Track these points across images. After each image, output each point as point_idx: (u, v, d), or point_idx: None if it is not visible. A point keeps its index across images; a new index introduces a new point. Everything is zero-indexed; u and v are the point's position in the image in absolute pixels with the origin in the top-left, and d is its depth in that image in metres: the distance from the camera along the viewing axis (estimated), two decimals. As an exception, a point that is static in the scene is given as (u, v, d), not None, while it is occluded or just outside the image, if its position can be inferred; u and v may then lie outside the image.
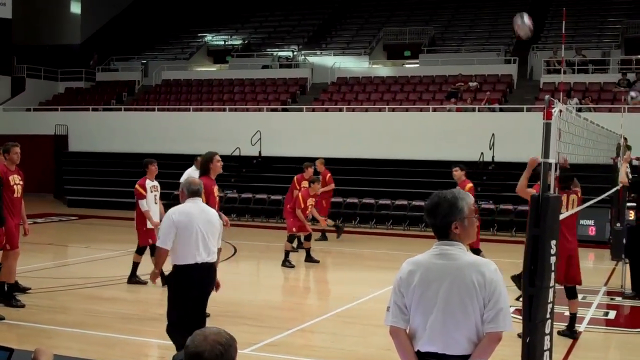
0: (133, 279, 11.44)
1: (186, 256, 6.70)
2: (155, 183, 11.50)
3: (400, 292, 3.87)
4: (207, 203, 9.11)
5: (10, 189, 9.57)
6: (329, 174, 17.48)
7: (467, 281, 3.74)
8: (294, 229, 14.01)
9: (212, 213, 6.99)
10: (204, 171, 9.44)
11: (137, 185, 11.30)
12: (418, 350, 3.84)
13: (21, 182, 9.79)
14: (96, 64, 33.00)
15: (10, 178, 9.59)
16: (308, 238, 14.42)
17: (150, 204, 11.27)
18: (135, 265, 11.46)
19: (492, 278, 3.74)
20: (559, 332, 8.42)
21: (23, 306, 9.57)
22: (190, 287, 6.77)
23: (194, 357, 2.87)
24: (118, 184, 22.96)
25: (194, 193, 6.93)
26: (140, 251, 11.45)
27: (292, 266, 13.76)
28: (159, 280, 10.96)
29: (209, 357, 2.84)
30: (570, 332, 8.76)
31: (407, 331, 3.91)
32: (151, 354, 7.94)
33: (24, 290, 10.31)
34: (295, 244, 14.53)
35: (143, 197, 11.18)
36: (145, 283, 11.19)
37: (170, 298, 6.87)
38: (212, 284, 6.99)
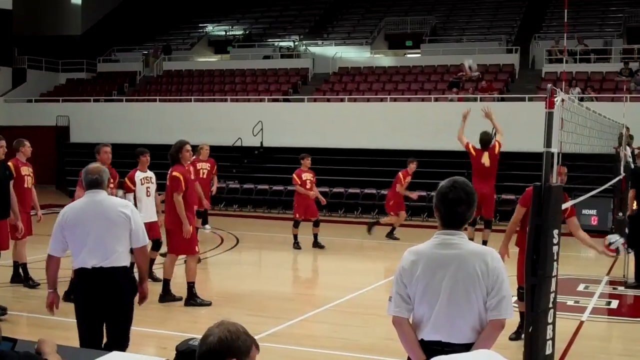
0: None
1: (76, 261, 5.69)
2: (148, 174, 10.94)
3: (403, 283, 3.87)
4: (186, 193, 9.30)
5: (21, 179, 10.04)
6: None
7: (471, 270, 3.75)
8: (297, 215, 14.59)
9: (113, 207, 5.67)
10: (175, 160, 9.55)
11: (125, 178, 10.85)
12: (422, 339, 3.85)
13: (31, 174, 10.38)
14: (156, 53, 32.46)
15: (21, 169, 10.17)
16: (316, 224, 14.88)
17: (142, 196, 10.76)
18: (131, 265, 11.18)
19: (495, 266, 3.76)
20: None
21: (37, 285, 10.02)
22: (81, 297, 5.76)
23: (202, 340, 2.92)
24: (120, 174, 22.91)
25: (91, 184, 5.70)
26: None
27: (299, 248, 14.57)
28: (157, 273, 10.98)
29: (213, 340, 2.87)
30: None
31: (411, 321, 3.91)
32: (153, 343, 7.95)
33: (33, 286, 10.28)
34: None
35: (130, 190, 10.74)
36: (160, 280, 11.07)
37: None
38: (110, 294, 5.62)
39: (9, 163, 9.87)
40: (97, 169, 5.77)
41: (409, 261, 3.88)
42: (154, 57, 31.90)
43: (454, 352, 3.45)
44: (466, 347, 3.76)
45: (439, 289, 3.80)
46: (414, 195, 16.66)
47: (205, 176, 14.63)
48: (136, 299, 5.92)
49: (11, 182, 9.66)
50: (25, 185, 10.17)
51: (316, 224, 14.91)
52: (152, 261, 11.01)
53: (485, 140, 13.49)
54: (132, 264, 6.02)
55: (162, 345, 7.71)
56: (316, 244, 14.87)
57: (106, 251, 5.58)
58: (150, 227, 10.92)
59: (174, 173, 9.46)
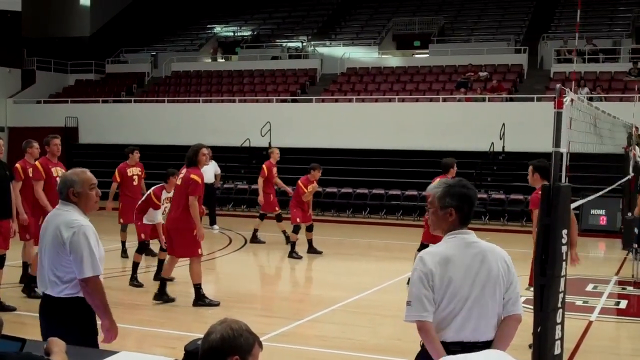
0: (133, 281, 10.93)
1: None
2: (170, 195, 10.59)
3: (430, 287, 3.80)
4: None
5: (53, 180, 9.65)
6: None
7: (495, 269, 3.85)
8: (297, 220, 13.99)
9: (61, 222, 4.66)
10: (192, 162, 9.49)
11: (152, 195, 11.08)
12: (443, 341, 3.83)
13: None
14: (216, 52, 32.10)
15: (53, 170, 9.81)
16: (310, 229, 14.38)
17: (158, 213, 11.00)
18: (135, 265, 10.99)
19: (510, 264, 3.92)
20: None
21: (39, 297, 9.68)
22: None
23: (204, 338, 2.93)
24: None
25: (60, 193, 4.82)
26: (139, 249, 11.07)
27: (299, 257, 13.81)
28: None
29: (215, 337, 2.88)
30: None
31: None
32: (162, 343, 7.96)
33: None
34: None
35: (157, 208, 10.93)
36: (140, 286, 11.01)
37: None
38: (43, 327, 4.82)
39: (17, 165, 9.83)
40: (68, 177, 4.83)
41: (435, 264, 3.81)
42: (212, 55, 31.59)
43: (475, 350, 3.45)
44: (487, 345, 3.78)
45: (470, 289, 3.81)
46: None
47: (137, 183, 13.13)
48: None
49: (19, 184, 9.65)
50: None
51: (310, 229, 14.41)
52: (161, 262, 11.02)
53: None
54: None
55: (171, 345, 7.72)
56: (312, 250, 14.31)
57: (43, 277, 4.76)
58: (153, 229, 11.01)
59: (193, 176, 9.36)
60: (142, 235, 10.98)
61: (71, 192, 4.71)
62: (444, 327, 3.83)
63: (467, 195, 3.93)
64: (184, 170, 9.54)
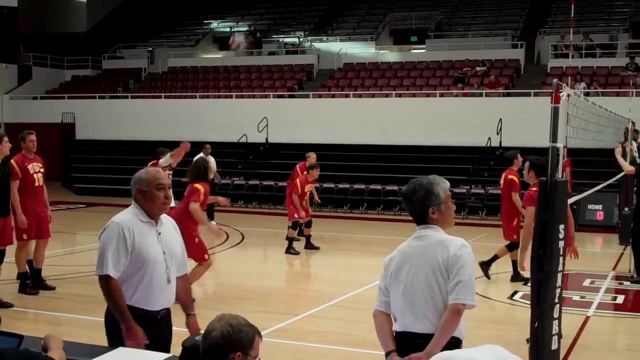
0: None
1: None
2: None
3: (382, 277, 4.09)
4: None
5: (30, 178, 9.61)
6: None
7: (433, 259, 3.85)
8: (295, 216, 13.89)
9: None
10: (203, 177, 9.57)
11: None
12: (395, 331, 3.98)
13: (41, 170, 9.85)
14: (238, 47, 31.80)
15: (30, 166, 9.65)
16: (308, 225, 14.33)
17: None
18: None
19: (455, 253, 3.82)
20: None
21: (36, 294, 9.75)
22: None
23: (204, 336, 2.95)
24: (125, 171, 22.92)
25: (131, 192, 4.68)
26: None
27: (297, 253, 13.79)
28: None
29: (216, 335, 2.90)
30: None
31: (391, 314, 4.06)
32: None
33: (51, 288, 10.26)
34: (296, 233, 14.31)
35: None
36: None
37: None
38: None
39: (12, 161, 9.75)
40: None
41: (389, 257, 4.10)
42: (247, 49, 31.21)
43: (424, 342, 3.53)
44: (431, 337, 3.83)
45: (405, 280, 3.93)
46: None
47: (40, 183, 9.96)
48: None
49: (17, 182, 9.59)
50: (36, 184, 9.81)
51: (308, 225, 14.35)
52: None
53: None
54: None
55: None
56: (309, 246, 14.29)
57: None
58: None
59: (197, 185, 9.39)
60: None
61: (138, 189, 4.52)
62: (395, 318, 4.10)
63: (403, 192, 4.20)
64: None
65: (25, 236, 9.64)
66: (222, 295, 9.89)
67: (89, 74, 32.49)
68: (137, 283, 4.45)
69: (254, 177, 22.83)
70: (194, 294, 10.49)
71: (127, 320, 4.43)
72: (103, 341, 4.75)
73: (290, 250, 13.82)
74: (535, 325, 4.96)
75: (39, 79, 30.97)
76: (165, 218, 4.66)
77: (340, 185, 21.38)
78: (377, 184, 21.30)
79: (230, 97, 26.84)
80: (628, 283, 11.30)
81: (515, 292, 10.03)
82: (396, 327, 4.00)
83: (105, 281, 4.42)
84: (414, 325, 3.89)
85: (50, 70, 31.92)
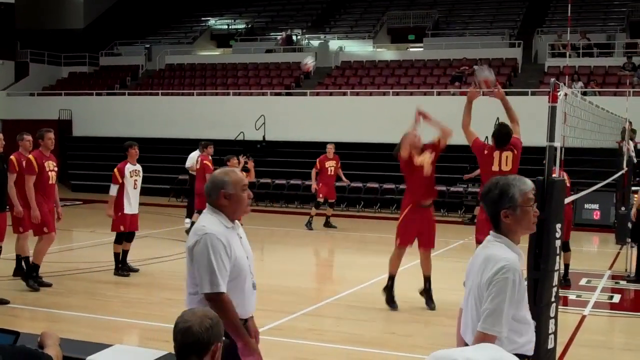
0: (119, 271, 10.98)
1: None
2: (137, 167, 11.13)
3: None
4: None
5: (45, 175, 9.78)
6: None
7: (479, 278, 3.63)
8: (321, 195, 16.07)
9: (194, 228, 4.33)
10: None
11: (115, 170, 10.99)
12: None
13: (55, 169, 10.03)
14: (285, 42, 31.16)
15: (46, 164, 9.83)
16: (331, 205, 16.67)
17: (129, 189, 10.95)
18: (117, 255, 11.05)
19: (489, 277, 3.55)
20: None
21: (37, 290, 9.76)
22: None
23: (184, 332, 2.97)
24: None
25: (208, 196, 4.38)
26: (117, 240, 11.04)
27: (311, 229, 16.03)
28: (153, 267, 11.01)
29: (199, 330, 2.94)
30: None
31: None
32: (156, 337, 7.96)
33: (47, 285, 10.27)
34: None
35: (117, 182, 10.91)
36: (136, 270, 11.08)
37: None
38: None
39: (12, 157, 9.85)
40: (209, 177, 4.39)
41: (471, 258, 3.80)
42: (283, 46, 30.94)
43: None
44: None
45: (466, 289, 3.79)
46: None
47: (53, 181, 10.23)
48: None
49: (13, 176, 9.68)
50: (50, 182, 9.96)
51: (332, 206, 16.70)
52: (125, 252, 11.13)
53: (503, 134, 9.34)
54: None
55: (165, 338, 7.72)
56: (328, 224, 16.51)
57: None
58: (133, 220, 11.02)
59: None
60: (121, 227, 10.98)
61: (223, 194, 4.20)
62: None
63: (481, 193, 3.97)
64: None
65: (45, 229, 9.76)
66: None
67: (86, 70, 32.44)
68: (233, 292, 4.19)
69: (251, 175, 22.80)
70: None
71: (243, 335, 4.21)
72: (99, 338, 4.75)
73: (308, 225, 16.32)
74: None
75: (36, 75, 30.92)
76: (236, 221, 4.43)
77: (337, 184, 21.35)
78: (374, 182, 21.30)
79: (228, 94, 26.82)
80: (624, 282, 11.32)
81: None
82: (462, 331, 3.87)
83: (220, 299, 4.11)
84: (467, 337, 3.75)
85: (47, 66, 31.87)
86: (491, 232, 3.69)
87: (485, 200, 3.69)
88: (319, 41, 30.85)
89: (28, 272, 9.97)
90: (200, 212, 14.92)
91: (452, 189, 20.15)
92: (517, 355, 3.54)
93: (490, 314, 3.51)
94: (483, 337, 3.52)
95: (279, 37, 31.48)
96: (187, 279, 4.24)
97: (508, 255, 3.57)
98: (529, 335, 3.71)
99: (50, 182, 9.90)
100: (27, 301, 9.28)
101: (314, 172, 16.48)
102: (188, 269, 4.21)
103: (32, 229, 9.83)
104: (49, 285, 10.07)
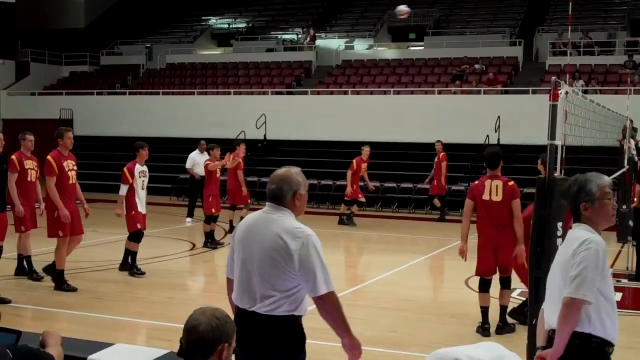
0: (133, 269, 10.90)
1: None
2: (145, 168, 11.09)
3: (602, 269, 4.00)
4: None
5: (65, 175, 9.70)
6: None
7: (566, 253, 3.88)
8: (360, 195, 17.03)
9: (281, 229, 4.19)
10: None
11: (125, 169, 10.93)
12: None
13: (75, 168, 10.02)
14: (313, 39, 30.80)
15: (65, 164, 9.76)
16: (360, 204, 17.55)
17: (138, 189, 10.91)
18: (128, 252, 11.03)
19: (575, 248, 3.82)
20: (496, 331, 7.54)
21: (75, 290, 9.67)
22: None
23: (190, 330, 2.99)
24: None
25: (279, 197, 4.27)
26: (133, 237, 10.98)
27: (348, 224, 16.98)
28: (154, 266, 11.00)
29: (205, 329, 2.94)
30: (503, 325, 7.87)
31: None
32: (158, 336, 7.96)
33: (37, 279, 10.26)
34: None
35: (127, 182, 10.85)
36: (143, 274, 11.04)
37: None
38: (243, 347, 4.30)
39: (13, 156, 9.86)
40: (279, 176, 4.24)
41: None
42: (308, 44, 30.75)
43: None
44: None
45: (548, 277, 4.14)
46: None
47: (74, 180, 10.21)
48: None
49: (14, 175, 9.66)
50: (29, 179, 9.96)
51: (360, 205, 17.65)
52: (134, 253, 11.01)
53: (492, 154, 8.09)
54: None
55: (167, 337, 7.73)
56: (349, 220, 17.09)
57: (255, 292, 4.24)
58: (141, 219, 10.98)
59: None
60: (138, 226, 10.93)
61: (297, 195, 4.17)
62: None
63: (561, 188, 4.36)
64: None
65: (61, 233, 9.60)
66: (220, 292, 9.87)
67: (87, 70, 32.46)
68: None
69: (252, 173, 22.78)
70: (191, 291, 10.52)
71: (350, 331, 4.31)
72: (100, 337, 4.76)
73: (343, 220, 17.15)
74: (533, 322, 4.96)
75: (37, 74, 30.93)
76: None
77: (338, 183, 21.35)
78: (376, 181, 21.26)
79: (229, 93, 26.82)
80: (626, 280, 11.31)
81: (513, 290, 10.04)
82: (546, 325, 4.01)
83: (336, 296, 4.24)
84: (552, 321, 3.91)
85: (48, 66, 31.89)
86: (575, 223, 3.98)
87: (566, 196, 4.00)
88: (320, 40, 30.83)
89: (59, 282, 9.72)
90: (234, 208, 15.48)
91: (453, 187, 20.14)
92: (604, 342, 3.67)
93: (575, 278, 3.75)
94: (571, 302, 3.74)
95: (301, 36, 31.44)
96: (263, 282, 4.17)
97: (592, 235, 3.87)
98: (615, 321, 4.08)
99: (70, 181, 9.78)
100: (29, 300, 9.29)
101: (349, 173, 16.91)
102: (270, 272, 4.14)
103: (48, 231, 9.63)
104: (40, 279, 10.12)
